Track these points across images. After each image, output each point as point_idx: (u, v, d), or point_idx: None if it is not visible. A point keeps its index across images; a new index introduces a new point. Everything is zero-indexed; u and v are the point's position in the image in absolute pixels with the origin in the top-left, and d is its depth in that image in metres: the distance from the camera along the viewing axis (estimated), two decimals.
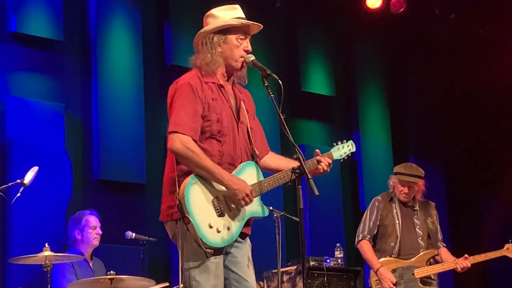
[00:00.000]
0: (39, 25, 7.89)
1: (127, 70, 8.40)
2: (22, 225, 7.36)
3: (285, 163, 4.58)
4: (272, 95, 4.38)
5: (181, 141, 4.29)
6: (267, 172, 4.60)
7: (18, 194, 6.12)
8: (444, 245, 7.00)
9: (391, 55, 10.69)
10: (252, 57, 4.49)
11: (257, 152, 4.58)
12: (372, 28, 10.36)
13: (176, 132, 4.30)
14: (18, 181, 6.13)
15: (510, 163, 10.19)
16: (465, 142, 10.61)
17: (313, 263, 7.53)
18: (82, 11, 8.36)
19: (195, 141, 4.33)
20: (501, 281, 10.29)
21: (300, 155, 4.29)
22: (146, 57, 8.56)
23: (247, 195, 4.30)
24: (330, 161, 4.60)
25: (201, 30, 4.53)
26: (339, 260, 7.77)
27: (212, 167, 4.28)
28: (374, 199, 7.06)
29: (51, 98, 7.95)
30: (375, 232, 6.90)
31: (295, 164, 4.44)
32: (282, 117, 4.31)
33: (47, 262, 5.74)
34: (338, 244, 7.92)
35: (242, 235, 4.44)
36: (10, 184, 6.26)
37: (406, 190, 6.88)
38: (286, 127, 4.30)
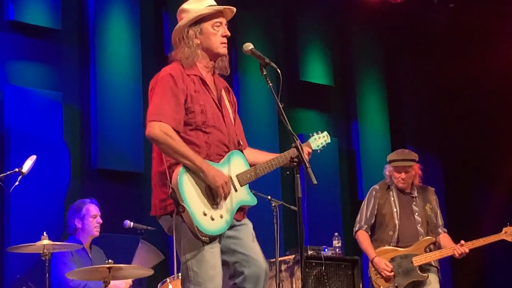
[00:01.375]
0: (37, 13, 7.88)
1: (125, 60, 8.39)
2: (20, 214, 7.36)
3: (263, 157, 4.62)
4: (270, 84, 4.39)
5: (160, 128, 4.29)
6: None
7: (16, 183, 6.12)
8: (445, 230, 6.91)
9: (389, 44, 10.68)
10: (250, 46, 4.50)
11: (241, 142, 4.60)
12: (370, 17, 10.35)
13: (158, 120, 4.31)
14: (16, 169, 6.13)
15: (507, 150, 10.20)
16: (463, 130, 10.62)
17: (311, 252, 7.54)
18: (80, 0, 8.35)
19: (178, 132, 4.32)
20: (498, 268, 10.32)
21: (298, 144, 4.30)
22: (144, 46, 8.55)
23: (225, 183, 4.30)
24: (310, 150, 4.69)
25: (176, 27, 4.54)
26: (337, 250, 7.77)
27: (190, 154, 4.28)
28: (371, 188, 7.02)
29: (49, 87, 7.94)
30: (372, 222, 6.87)
31: (272, 156, 4.54)
32: (280, 106, 4.32)
33: (45, 251, 5.74)
34: (336, 234, 7.91)
35: (236, 220, 4.45)
36: (8, 172, 6.27)
37: (403, 175, 6.83)
38: (285, 116, 4.30)
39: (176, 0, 8.77)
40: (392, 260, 6.71)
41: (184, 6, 4.56)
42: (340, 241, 7.85)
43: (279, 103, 4.32)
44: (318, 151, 4.81)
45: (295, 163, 4.30)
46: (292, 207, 7.01)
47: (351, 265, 7.70)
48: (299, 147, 4.29)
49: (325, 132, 4.84)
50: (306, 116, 9.94)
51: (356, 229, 6.91)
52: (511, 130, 10.18)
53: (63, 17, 8.06)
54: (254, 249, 4.45)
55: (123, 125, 8.21)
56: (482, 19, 10.23)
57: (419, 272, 6.69)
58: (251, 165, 4.56)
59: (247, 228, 4.49)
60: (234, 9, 4.60)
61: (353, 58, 10.46)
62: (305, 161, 4.26)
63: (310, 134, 4.80)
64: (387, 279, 6.69)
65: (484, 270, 10.47)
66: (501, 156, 10.27)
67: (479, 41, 10.27)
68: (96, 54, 8.20)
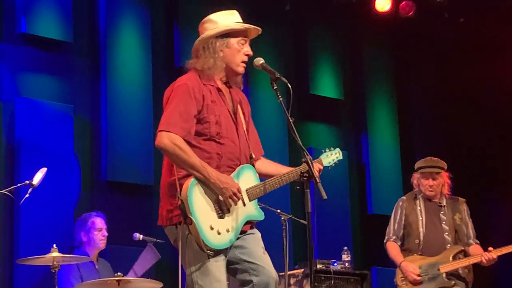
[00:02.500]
0: (48, 26, 7.91)
1: (136, 72, 8.41)
2: (30, 226, 7.37)
3: (276, 168, 4.64)
4: (281, 99, 4.40)
5: (169, 138, 4.30)
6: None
7: (27, 195, 6.13)
8: (478, 242, 6.80)
9: (400, 58, 10.68)
10: (261, 61, 4.52)
11: (253, 155, 4.60)
12: (381, 31, 10.35)
13: (167, 131, 4.31)
14: (27, 182, 6.14)
15: None
16: (474, 143, 10.60)
17: (320, 266, 7.52)
18: (91, 12, 8.37)
19: (189, 142, 4.33)
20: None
21: (308, 159, 4.30)
22: (155, 58, 8.56)
23: (234, 194, 4.31)
24: (322, 167, 4.67)
25: (202, 35, 4.56)
26: (346, 264, 7.76)
27: (199, 164, 4.29)
28: (398, 199, 6.97)
29: (60, 99, 7.96)
30: (401, 233, 6.80)
31: (285, 169, 4.54)
32: (291, 120, 4.32)
33: (54, 263, 5.75)
34: (345, 248, 7.90)
35: (242, 232, 4.45)
36: (18, 185, 6.28)
37: (430, 182, 6.75)
38: (295, 130, 4.31)
39: (187, 13, 8.84)
40: (419, 267, 6.63)
41: (211, 17, 4.59)
42: (349, 255, 7.84)
43: (289, 117, 4.33)
44: (329, 167, 4.80)
45: (305, 178, 4.30)
46: (301, 221, 6.99)
47: (360, 279, 7.68)
48: (309, 162, 4.29)
49: (338, 149, 4.84)
50: (316, 130, 9.93)
51: (385, 241, 6.86)
52: None
53: (75, 30, 8.09)
54: (262, 258, 4.44)
55: (134, 137, 8.22)
56: (492, 32, 10.23)
57: (445, 279, 6.58)
58: (263, 176, 4.57)
59: (254, 237, 4.48)
60: (260, 30, 4.63)
61: (363, 72, 10.46)
62: (315, 176, 4.26)
63: (322, 150, 4.79)
64: (414, 284, 6.59)
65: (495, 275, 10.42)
66: (509, 170, 10.25)
67: (490, 55, 10.26)
68: (107, 67, 8.23)
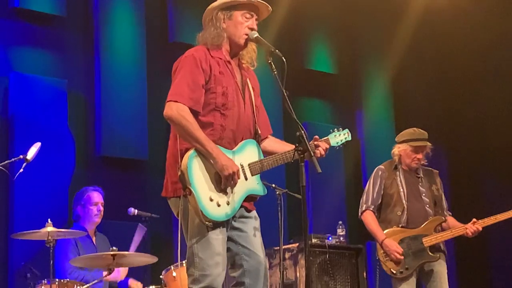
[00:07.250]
0: (42, 0, 7.87)
1: (129, 46, 8.38)
2: (25, 201, 7.38)
3: (281, 147, 4.63)
4: (275, 72, 4.39)
5: (177, 109, 4.31)
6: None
7: (21, 170, 6.13)
8: (450, 213, 6.76)
9: (395, 33, 10.64)
10: (256, 34, 4.52)
11: (260, 131, 4.58)
12: (376, 6, 10.31)
13: (175, 101, 4.33)
14: (21, 156, 6.14)
15: (510, 138, 10.20)
16: (467, 119, 10.61)
17: (315, 240, 7.53)
18: None
19: (195, 111, 4.34)
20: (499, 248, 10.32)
21: (303, 133, 4.29)
22: (149, 33, 8.54)
23: (233, 173, 4.30)
24: (328, 146, 4.64)
25: (208, 7, 4.56)
26: (341, 238, 7.76)
27: (203, 138, 4.29)
28: (377, 168, 6.80)
29: (53, 74, 7.94)
30: (379, 202, 6.67)
31: (290, 147, 4.49)
32: (285, 93, 4.31)
33: (49, 237, 5.75)
34: (340, 222, 7.91)
35: (245, 209, 4.47)
36: (12, 159, 6.28)
37: (420, 155, 6.66)
38: (290, 104, 4.29)
39: None
40: (401, 241, 6.53)
41: None
42: (344, 229, 7.84)
43: (284, 91, 4.32)
44: (337, 148, 4.77)
45: (299, 152, 4.30)
46: (296, 195, 6.99)
47: (355, 253, 7.70)
48: (304, 136, 4.28)
49: (346, 130, 4.80)
50: (311, 105, 9.93)
51: (363, 209, 6.67)
52: None
53: (68, 4, 8.05)
54: (256, 244, 4.47)
55: (128, 112, 8.21)
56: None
57: (429, 253, 6.51)
58: (269, 155, 4.56)
59: (253, 222, 4.50)
60: (270, 8, 4.63)
61: (358, 47, 10.43)
62: (310, 149, 4.26)
63: (331, 130, 4.76)
64: (397, 262, 6.52)
65: (485, 250, 10.47)
66: (504, 144, 10.26)
67: (484, 31, 10.24)
68: (101, 41, 8.20)
